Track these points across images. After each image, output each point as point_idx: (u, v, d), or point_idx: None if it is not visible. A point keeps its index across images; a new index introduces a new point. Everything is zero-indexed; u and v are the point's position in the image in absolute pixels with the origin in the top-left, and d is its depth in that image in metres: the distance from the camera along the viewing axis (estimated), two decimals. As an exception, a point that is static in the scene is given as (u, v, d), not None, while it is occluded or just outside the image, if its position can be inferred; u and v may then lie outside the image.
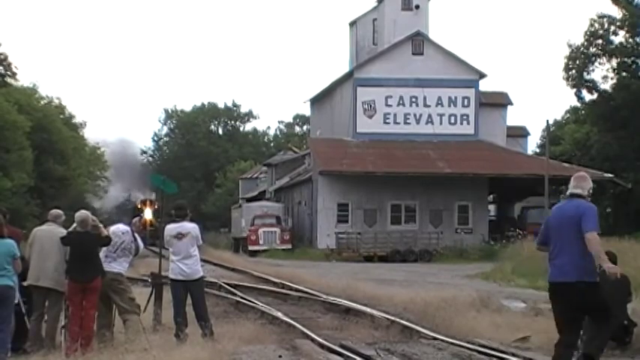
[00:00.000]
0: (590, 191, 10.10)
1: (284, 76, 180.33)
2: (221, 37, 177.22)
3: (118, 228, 13.90)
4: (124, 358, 11.77)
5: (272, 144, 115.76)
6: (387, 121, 56.04)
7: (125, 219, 17.69)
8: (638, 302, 14.11)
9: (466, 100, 56.35)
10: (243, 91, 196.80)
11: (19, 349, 12.89)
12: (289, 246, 53.78)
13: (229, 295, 22.12)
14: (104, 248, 13.50)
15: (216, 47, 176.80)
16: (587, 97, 57.95)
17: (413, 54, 56.55)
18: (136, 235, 13.90)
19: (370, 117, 56.02)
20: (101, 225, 13.67)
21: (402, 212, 53.54)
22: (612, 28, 56.08)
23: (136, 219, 14.58)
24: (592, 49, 56.28)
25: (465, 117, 56.45)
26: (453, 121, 56.36)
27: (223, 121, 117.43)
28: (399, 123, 56.05)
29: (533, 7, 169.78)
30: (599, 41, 56.07)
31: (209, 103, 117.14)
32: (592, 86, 56.88)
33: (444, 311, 16.95)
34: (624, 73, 55.84)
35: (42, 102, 58.19)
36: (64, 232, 13.29)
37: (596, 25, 56.17)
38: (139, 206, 58.82)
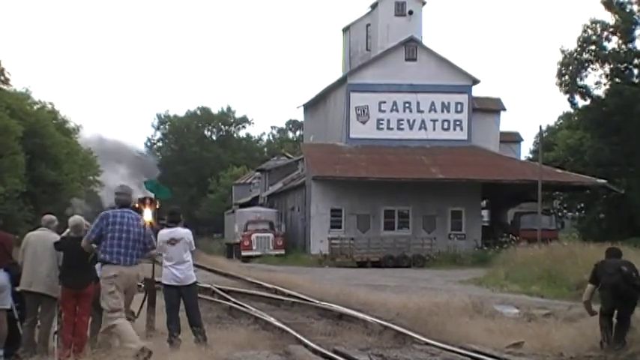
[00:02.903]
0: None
1: (277, 81, 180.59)
2: (215, 42, 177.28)
3: None
4: (117, 364, 11.75)
5: (265, 149, 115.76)
6: (381, 126, 56.08)
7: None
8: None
9: (459, 106, 56.41)
10: (236, 96, 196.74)
11: (11, 355, 12.87)
12: (282, 251, 53.79)
13: (222, 301, 22.10)
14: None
15: (209, 53, 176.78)
16: (580, 102, 57.99)
17: (406, 59, 56.59)
18: None
19: (363, 122, 56.04)
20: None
21: (395, 218, 53.55)
22: (605, 34, 56.12)
23: None
24: (585, 55, 56.30)
25: (458, 122, 56.50)
26: (446, 126, 56.43)
27: (217, 127, 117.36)
28: (392, 128, 56.09)
29: (527, 12, 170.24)
30: (592, 47, 56.10)
31: (203, 108, 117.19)
32: (585, 92, 56.89)
33: (437, 317, 16.97)
34: (617, 79, 55.87)
35: (35, 107, 58.01)
36: (57, 237, 13.27)
37: (589, 31, 56.22)
38: (137, 205, 54.96)
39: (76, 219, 13.35)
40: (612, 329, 13.53)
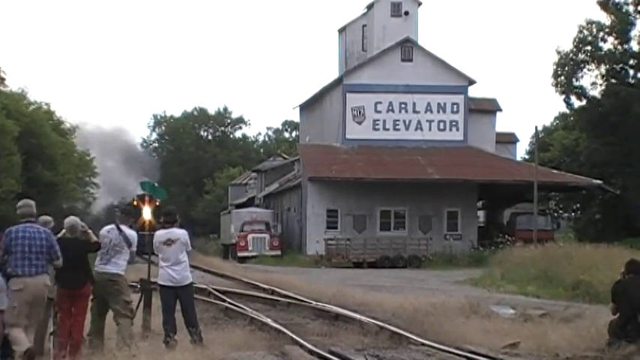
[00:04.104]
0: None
1: (273, 82, 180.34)
2: (211, 42, 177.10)
3: (103, 229, 13.84)
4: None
5: (261, 150, 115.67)
6: (377, 127, 56.08)
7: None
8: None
9: (455, 107, 56.45)
10: (232, 97, 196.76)
11: (8, 356, 12.84)
12: (278, 252, 53.75)
13: (218, 302, 22.08)
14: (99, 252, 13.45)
15: (206, 53, 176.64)
16: (576, 103, 58.11)
17: (402, 60, 56.62)
18: (122, 226, 13.64)
19: (359, 123, 56.05)
20: (90, 231, 13.61)
21: (391, 218, 53.58)
22: (601, 34, 56.21)
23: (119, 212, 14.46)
24: (581, 56, 56.40)
25: (454, 123, 56.54)
26: (442, 127, 56.46)
27: (213, 127, 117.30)
28: (388, 129, 56.10)
29: (522, 13, 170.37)
30: (588, 48, 56.19)
31: (199, 108, 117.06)
32: (581, 93, 56.97)
33: (433, 317, 16.99)
34: (613, 80, 55.97)
35: (31, 107, 57.85)
36: (53, 238, 13.22)
37: (585, 31, 56.30)
38: (135, 203, 45.32)
39: (71, 220, 13.34)
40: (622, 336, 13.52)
